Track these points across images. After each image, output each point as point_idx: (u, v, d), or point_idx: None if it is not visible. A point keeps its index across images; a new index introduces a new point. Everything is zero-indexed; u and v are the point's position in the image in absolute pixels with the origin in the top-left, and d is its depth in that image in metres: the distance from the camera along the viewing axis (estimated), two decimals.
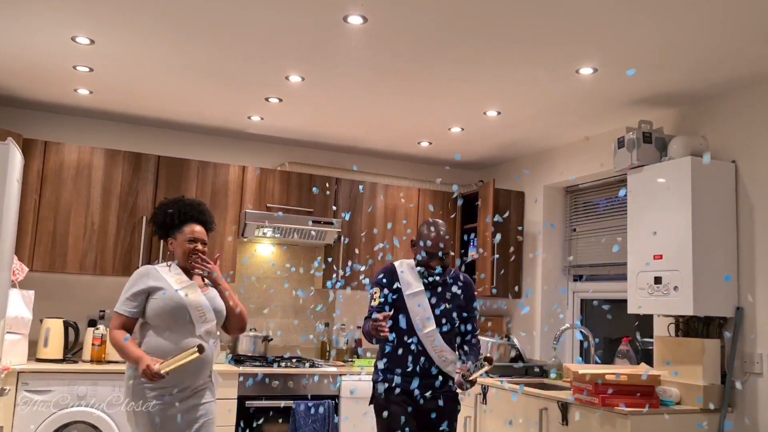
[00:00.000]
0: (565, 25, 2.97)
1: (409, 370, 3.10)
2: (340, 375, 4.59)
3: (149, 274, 2.87)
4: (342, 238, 5.03)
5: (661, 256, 3.60)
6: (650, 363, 3.94)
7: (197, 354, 2.62)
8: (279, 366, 4.49)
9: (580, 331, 4.74)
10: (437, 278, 3.21)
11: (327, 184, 5.04)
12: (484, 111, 4.25)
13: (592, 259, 4.80)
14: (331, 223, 4.85)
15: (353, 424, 4.56)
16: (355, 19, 2.99)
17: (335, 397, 4.55)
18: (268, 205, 4.84)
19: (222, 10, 2.98)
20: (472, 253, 5.30)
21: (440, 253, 3.20)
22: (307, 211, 4.95)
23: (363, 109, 4.33)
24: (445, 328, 3.15)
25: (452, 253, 3.29)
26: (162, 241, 3.01)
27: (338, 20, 3.01)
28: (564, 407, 3.56)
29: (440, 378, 3.15)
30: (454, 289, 3.25)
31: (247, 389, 4.33)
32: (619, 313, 4.65)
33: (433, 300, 3.18)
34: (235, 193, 4.78)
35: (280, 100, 4.21)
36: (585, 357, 4.83)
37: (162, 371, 2.61)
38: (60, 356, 4.19)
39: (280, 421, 4.38)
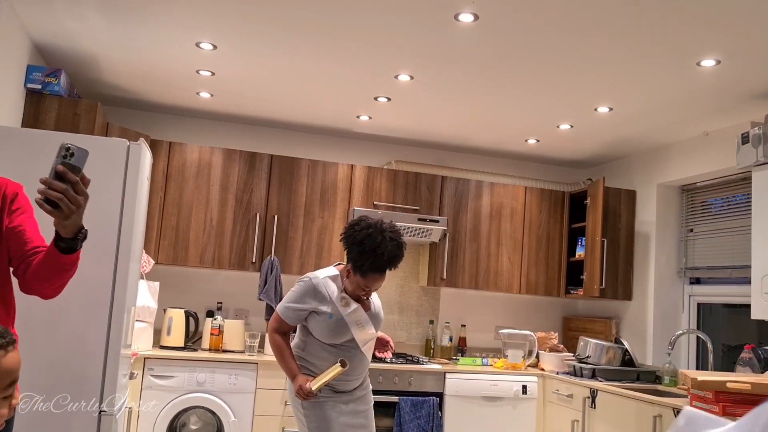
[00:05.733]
0: (687, 15, 2.85)
1: None
2: (445, 372, 4.61)
3: (317, 293, 2.83)
4: (447, 235, 5.04)
5: None
6: None
7: (341, 368, 2.71)
8: (385, 361, 4.56)
9: (698, 336, 4.53)
10: None
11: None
12: (595, 107, 4.14)
13: (710, 261, 4.57)
14: (437, 221, 4.87)
15: (458, 422, 4.57)
16: (466, 17, 3.00)
17: (440, 395, 4.58)
18: (375, 202, 4.93)
19: (334, 13, 3.07)
20: (579, 253, 5.18)
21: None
22: (413, 208, 5.00)
23: (471, 107, 4.33)
24: None
25: None
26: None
27: (449, 18, 3.03)
28: None
29: None
30: None
31: None
32: (739, 319, 4.41)
33: None
34: (343, 191, 4.90)
35: (389, 99, 4.28)
36: (701, 363, 4.61)
37: (314, 389, 2.72)
38: (181, 344, 4.44)
39: (385, 415, 4.45)
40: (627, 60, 3.37)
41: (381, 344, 3.06)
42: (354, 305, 2.85)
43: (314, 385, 2.72)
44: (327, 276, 2.89)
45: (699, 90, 3.72)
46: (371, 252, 2.75)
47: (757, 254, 3.59)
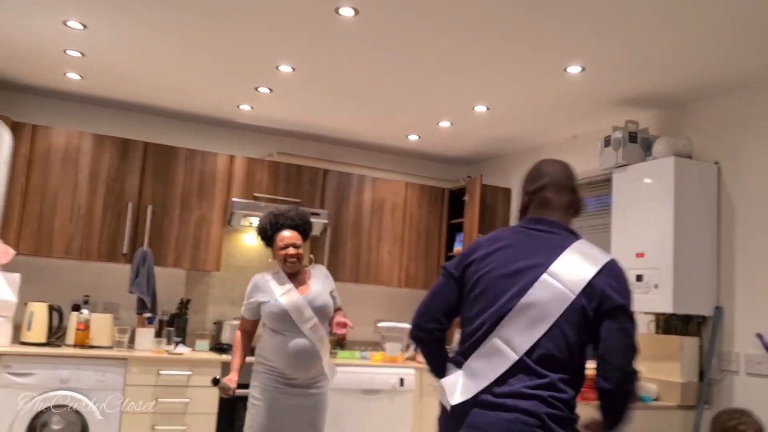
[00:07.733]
0: (554, 23, 3.00)
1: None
2: None
3: (258, 287, 3.29)
4: (328, 229, 5.04)
5: (643, 254, 3.65)
6: None
7: (212, 385, 3.19)
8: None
9: None
10: None
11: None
12: (473, 106, 4.28)
13: None
14: (318, 214, 4.86)
15: (336, 415, 4.58)
16: (346, 11, 3.01)
17: None
18: (255, 194, 4.85)
19: None
20: (457, 248, 5.34)
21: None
22: (295, 201, 4.96)
23: (353, 101, 4.35)
24: None
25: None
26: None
27: (330, 12, 3.03)
28: None
29: None
30: None
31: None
32: None
33: None
34: (222, 181, 4.78)
35: (270, 90, 4.22)
36: None
37: (229, 391, 3.20)
38: (44, 340, 4.18)
39: None
40: (502, 61, 3.50)
41: (339, 325, 3.31)
42: (288, 286, 3.23)
43: (231, 388, 3.21)
44: (266, 272, 3.35)
45: (567, 94, 3.93)
46: (265, 218, 3.32)
47: (615, 250, 3.84)
